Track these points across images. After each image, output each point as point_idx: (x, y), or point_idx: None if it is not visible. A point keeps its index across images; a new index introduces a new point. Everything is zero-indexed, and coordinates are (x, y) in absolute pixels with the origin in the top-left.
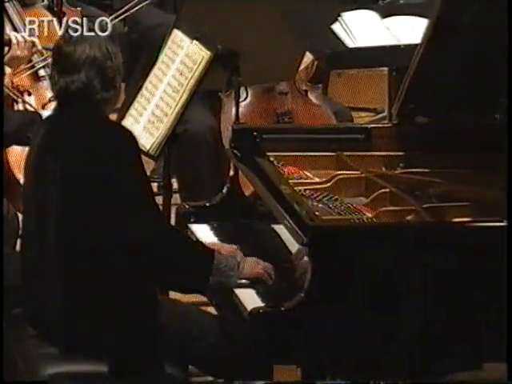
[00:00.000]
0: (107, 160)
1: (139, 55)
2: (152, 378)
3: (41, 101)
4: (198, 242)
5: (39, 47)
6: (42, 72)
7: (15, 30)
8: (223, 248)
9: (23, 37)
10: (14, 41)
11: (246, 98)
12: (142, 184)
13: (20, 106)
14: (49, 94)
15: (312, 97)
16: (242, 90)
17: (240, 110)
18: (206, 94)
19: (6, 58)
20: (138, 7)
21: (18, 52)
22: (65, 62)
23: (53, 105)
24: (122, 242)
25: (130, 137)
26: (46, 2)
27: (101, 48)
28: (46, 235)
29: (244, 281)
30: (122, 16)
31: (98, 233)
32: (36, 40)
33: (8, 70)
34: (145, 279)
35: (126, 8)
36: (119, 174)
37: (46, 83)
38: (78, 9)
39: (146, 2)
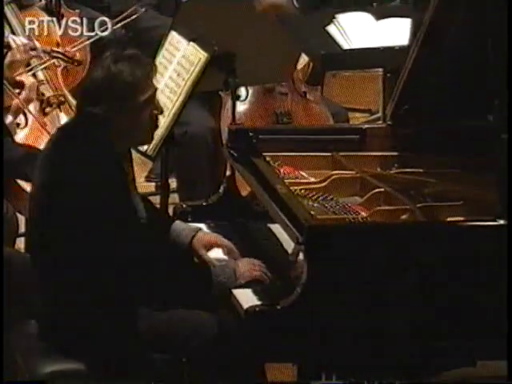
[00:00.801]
0: (96, 188)
1: None
2: (150, 376)
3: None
4: (194, 261)
5: (39, 50)
6: (40, 75)
7: (13, 33)
8: (220, 240)
9: (22, 40)
10: (13, 44)
11: (246, 99)
12: (128, 208)
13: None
14: (46, 95)
15: (311, 98)
16: (243, 90)
17: (240, 110)
18: (206, 94)
19: (6, 61)
20: (141, 11)
21: (18, 56)
22: (82, 86)
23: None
24: (117, 260)
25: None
26: (43, 2)
27: (110, 84)
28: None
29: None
30: (126, 21)
31: (95, 249)
32: (37, 44)
33: (31, 80)
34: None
35: (127, 13)
36: (109, 201)
37: (44, 86)
38: (77, 11)
39: (147, 4)
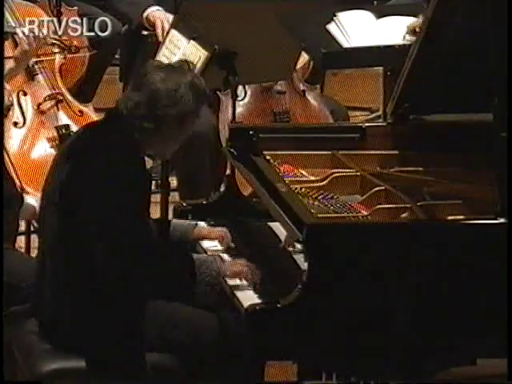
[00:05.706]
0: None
1: (136, 55)
2: (150, 375)
3: (36, 100)
4: (177, 253)
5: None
6: (39, 76)
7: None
8: (212, 232)
9: (30, 30)
10: (21, 35)
11: (244, 98)
12: (131, 200)
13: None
14: (44, 93)
15: (310, 97)
16: (241, 89)
17: (238, 109)
18: None
19: (16, 53)
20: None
21: (26, 46)
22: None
23: (48, 104)
24: (110, 252)
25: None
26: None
27: (167, 89)
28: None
29: (239, 282)
30: None
31: (87, 239)
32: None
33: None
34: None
35: None
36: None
37: (41, 82)
38: (75, 8)
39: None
